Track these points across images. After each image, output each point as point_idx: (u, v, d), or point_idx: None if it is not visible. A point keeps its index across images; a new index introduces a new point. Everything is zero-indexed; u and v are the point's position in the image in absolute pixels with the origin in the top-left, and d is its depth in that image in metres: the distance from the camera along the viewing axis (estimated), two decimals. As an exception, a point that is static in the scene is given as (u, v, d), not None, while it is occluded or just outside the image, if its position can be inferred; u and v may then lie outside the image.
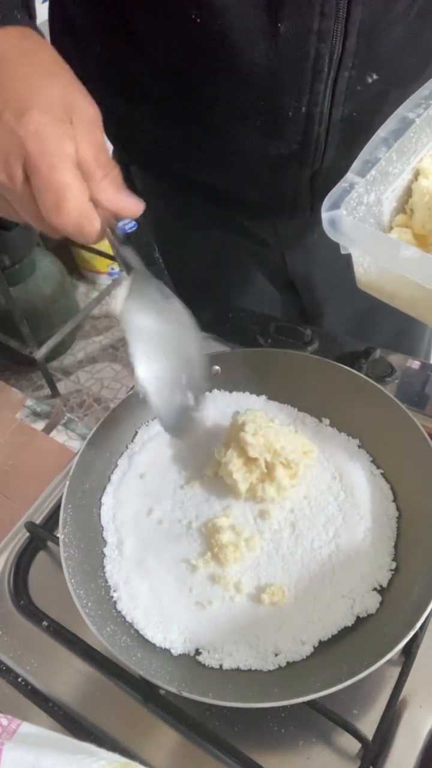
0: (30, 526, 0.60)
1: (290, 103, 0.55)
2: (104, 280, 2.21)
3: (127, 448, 0.65)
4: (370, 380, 0.62)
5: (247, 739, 0.49)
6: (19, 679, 0.54)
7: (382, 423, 0.61)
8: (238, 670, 0.50)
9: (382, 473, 0.61)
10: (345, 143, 0.59)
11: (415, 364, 0.73)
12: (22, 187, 0.42)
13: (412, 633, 0.46)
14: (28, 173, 0.42)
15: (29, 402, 1.90)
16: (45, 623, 0.56)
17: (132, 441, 0.65)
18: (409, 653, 0.52)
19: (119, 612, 0.54)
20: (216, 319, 0.79)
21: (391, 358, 0.72)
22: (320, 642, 0.51)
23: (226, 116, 0.58)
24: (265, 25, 0.50)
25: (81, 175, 0.42)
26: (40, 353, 1.83)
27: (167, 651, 0.51)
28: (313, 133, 0.57)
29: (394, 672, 0.51)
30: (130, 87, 0.61)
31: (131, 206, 0.46)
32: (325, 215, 0.49)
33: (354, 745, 0.49)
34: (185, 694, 0.45)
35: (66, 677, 0.54)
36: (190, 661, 0.51)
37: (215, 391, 0.68)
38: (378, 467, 0.61)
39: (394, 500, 0.58)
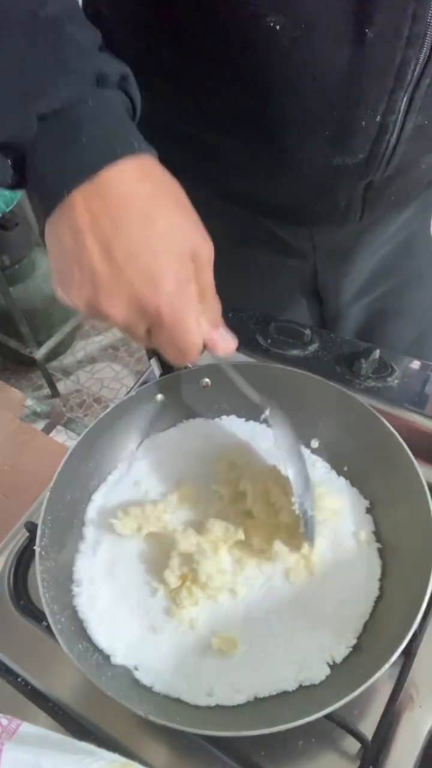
0: (30, 525, 0.60)
1: (365, 112, 0.52)
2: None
3: (132, 452, 0.64)
4: (402, 440, 0.56)
5: (247, 740, 0.48)
6: (19, 679, 0.54)
7: (400, 493, 0.56)
8: (167, 696, 0.49)
9: (379, 548, 0.56)
10: (411, 152, 0.57)
11: (415, 364, 0.73)
12: (145, 337, 0.46)
13: (342, 702, 0.43)
14: (152, 329, 0.45)
15: (29, 402, 1.91)
16: (45, 623, 0.56)
17: (138, 447, 0.65)
18: (409, 653, 0.52)
19: (74, 608, 0.53)
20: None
21: (391, 358, 0.72)
22: (256, 697, 0.49)
23: (291, 127, 0.55)
24: (352, 31, 0.47)
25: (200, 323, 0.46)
26: (40, 353, 1.83)
27: (126, 669, 0.51)
28: (383, 143, 0.55)
29: (394, 672, 0.51)
30: (173, 94, 0.58)
31: (221, 346, 0.49)
32: None
33: (354, 745, 0.49)
34: (152, 718, 0.44)
35: (66, 677, 0.54)
36: (128, 674, 0.51)
37: (232, 416, 0.67)
38: (378, 541, 0.57)
39: (380, 579, 0.54)
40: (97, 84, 0.45)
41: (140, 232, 0.43)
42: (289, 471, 0.54)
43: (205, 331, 0.48)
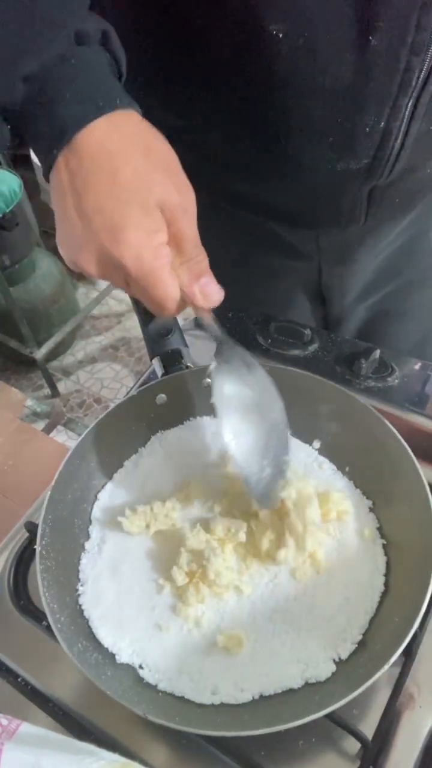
0: (30, 526, 0.60)
1: (369, 118, 0.52)
2: (104, 280, 2.21)
3: (137, 451, 0.64)
4: (403, 441, 0.56)
5: (247, 739, 0.48)
6: (19, 679, 0.54)
7: (401, 493, 0.56)
8: (172, 695, 0.49)
9: (383, 544, 0.56)
10: (415, 157, 0.58)
11: (416, 364, 0.73)
12: (126, 287, 0.47)
13: (347, 699, 0.43)
14: (127, 281, 0.45)
15: (29, 402, 1.91)
16: (45, 623, 0.56)
17: (144, 446, 0.65)
18: (409, 653, 0.52)
19: (78, 606, 0.53)
20: (214, 318, 0.78)
21: (391, 358, 0.72)
22: (261, 695, 0.49)
23: (295, 132, 0.55)
24: (355, 39, 0.47)
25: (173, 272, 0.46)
26: (40, 353, 1.83)
27: (131, 667, 0.51)
28: (386, 149, 0.55)
29: (394, 672, 0.51)
30: (176, 96, 0.58)
31: (199, 299, 0.47)
32: None
33: (354, 745, 0.49)
34: (151, 717, 0.44)
35: (66, 677, 0.54)
36: (133, 673, 0.51)
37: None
38: (382, 537, 0.57)
39: (386, 575, 0.55)
40: (78, 43, 0.45)
41: (105, 185, 0.43)
42: (226, 433, 0.51)
43: (184, 283, 0.46)
